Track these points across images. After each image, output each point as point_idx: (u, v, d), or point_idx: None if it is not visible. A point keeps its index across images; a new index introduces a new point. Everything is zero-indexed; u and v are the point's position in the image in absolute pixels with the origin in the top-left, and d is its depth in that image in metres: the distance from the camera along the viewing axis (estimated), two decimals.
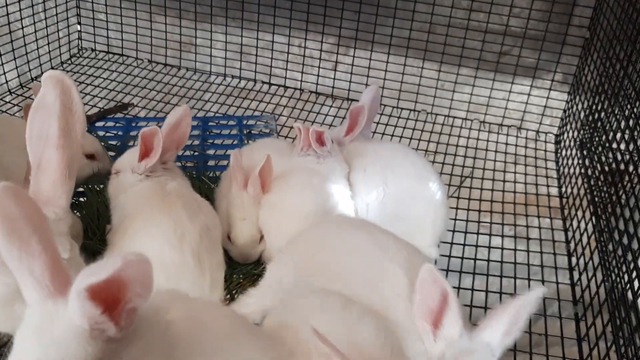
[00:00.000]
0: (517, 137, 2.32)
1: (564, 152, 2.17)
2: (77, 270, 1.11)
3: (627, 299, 1.31)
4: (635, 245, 1.31)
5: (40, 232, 0.69)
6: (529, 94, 2.33)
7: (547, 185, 2.04)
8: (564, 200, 1.95)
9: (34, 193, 1.03)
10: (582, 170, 1.92)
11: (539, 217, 1.86)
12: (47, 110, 1.02)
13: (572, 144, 2.12)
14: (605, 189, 1.67)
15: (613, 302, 1.37)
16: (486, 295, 1.53)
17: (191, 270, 1.28)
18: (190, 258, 1.28)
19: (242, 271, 1.52)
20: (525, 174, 2.09)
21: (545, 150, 2.26)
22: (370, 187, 1.57)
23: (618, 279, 1.36)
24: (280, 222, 1.50)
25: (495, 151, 2.21)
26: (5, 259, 0.68)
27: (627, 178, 1.57)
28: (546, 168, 2.15)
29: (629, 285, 1.30)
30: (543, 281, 1.59)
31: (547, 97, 2.33)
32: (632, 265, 1.30)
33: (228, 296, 1.44)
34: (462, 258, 1.64)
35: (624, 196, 1.52)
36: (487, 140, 2.27)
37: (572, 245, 1.72)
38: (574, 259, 1.66)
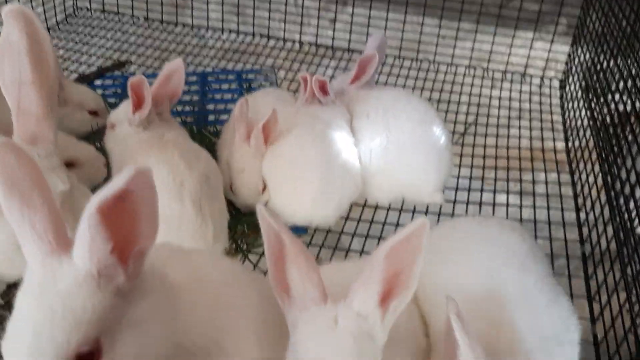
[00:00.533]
0: (521, 83, 2.28)
1: (569, 96, 2.13)
2: (82, 197, 1.10)
3: (635, 236, 1.29)
4: None
5: (40, 187, 0.66)
6: (532, 39, 2.29)
7: (553, 130, 2.02)
8: (569, 143, 1.93)
9: (21, 135, 1.02)
10: (588, 114, 1.89)
11: (544, 161, 1.84)
12: (14, 47, 0.99)
13: (576, 87, 2.08)
14: (611, 129, 1.64)
15: (620, 240, 1.36)
16: None
17: (192, 219, 1.28)
18: (191, 207, 1.27)
19: (247, 222, 1.51)
20: (530, 119, 2.07)
21: (550, 96, 2.22)
22: (373, 133, 1.56)
23: (626, 215, 1.35)
24: (284, 170, 1.49)
25: (500, 98, 2.18)
26: (6, 213, 0.65)
27: (632, 118, 1.54)
28: (551, 113, 2.12)
29: (637, 220, 1.29)
30: (549, 223, 1.57)
31: (551, 42, 2.28)
32: None
33: (233, 245, 1.44)
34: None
35: (630, 136, 1.50)
36: (491, 87, 2.24)
37: (578, 187, 1.70)
38: (580, 200, 1.65)
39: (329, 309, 0.76)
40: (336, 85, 1.72)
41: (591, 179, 1.65)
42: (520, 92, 2.23)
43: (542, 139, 1.96)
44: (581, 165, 1.75)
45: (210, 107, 1.98)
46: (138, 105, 1.39)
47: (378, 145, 1.55)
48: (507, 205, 1.64)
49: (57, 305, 0.60)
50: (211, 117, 1.92)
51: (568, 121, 2.03)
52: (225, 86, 2.09)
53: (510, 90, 2.23)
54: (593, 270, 1.40)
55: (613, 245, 1.39)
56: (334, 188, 1.47)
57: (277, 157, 1.50)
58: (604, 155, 1.64)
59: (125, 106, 1.45)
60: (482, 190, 1.69)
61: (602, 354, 1.24)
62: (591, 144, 1.76)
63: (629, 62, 1.60)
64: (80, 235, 0.60)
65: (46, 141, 1.04)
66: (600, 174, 1.61)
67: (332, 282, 0.81)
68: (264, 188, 1.51)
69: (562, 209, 1.61)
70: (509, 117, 2.07)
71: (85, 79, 2.07)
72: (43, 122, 1.02)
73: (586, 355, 1.25)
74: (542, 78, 2.30)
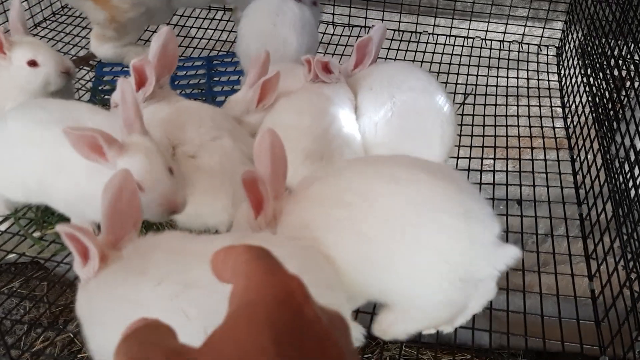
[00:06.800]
0: (518, 52, 2.33)
1: (565, 63, 2.19)
2: None
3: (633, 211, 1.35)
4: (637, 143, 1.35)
5: None
6: (527, 17, 2.33)
7: (550, 101, 2.08)
8: (566, 110, 1.99)
9: None
10: (584, 79, 1.95)
11: (543, 138, 1.88)
12: None
13: (573, 54, 2.14)
14: (608, 93, 1.70)
15: (615, 201, 1.43)
16: None
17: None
18: None
19: None
20: (528, 87, 2.13)
21: (547, 64, 2.28)
22: (378, 105, 1.58)
23: (621, 179, 1.42)
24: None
25: (498, 67, 2.23)
26: None
27: (628, 83, 1.60)
28: (548, 80, 2.18)
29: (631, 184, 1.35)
30: (548, 186, 1.64)
31: (547, 12, 2.33)
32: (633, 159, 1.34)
33: None
34: None
35: (625, 99, 1.56)
36: (489, 57, 2.29)
37: (575, 151, 1.77)
38: (577, 164, 1.72)
39: None
40: (342, 67, 1.74)
41: (588, 144, 1.71)
42: (518, 60, 2.28)
43: (541, 115, 2.01)
44: (578, 130, 1.82)
45: (218, 89, 2.04)
46: (140, 83, 1.45)
47: (382, 117, 1.56)
48: (507, 184, 1.70)
49: None
50: (220, 98, 1.98)
51: (565, 88, 2.09)
52: (230, 68, 2.15)
53: (508, 60, 2.28)
54: (594, 249, 1.46)
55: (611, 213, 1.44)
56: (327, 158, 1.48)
57: (273, 123, 1.52)
58: (600, 117, 1.70)
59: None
60: (481, 171, 1.74)
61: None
62: (589, 119, 1.81)
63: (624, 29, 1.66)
64: None
65: None
66: (596, 140, 1.67)
67: None
68: None
69: (562, 188, 1.65)
70: (507, 86, 2.12)
71: (84, 61, 2.15)
72: None
73: (585, 310, 1.34)
74: (539, 46, 2.35)
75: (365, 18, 2.42)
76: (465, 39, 2.38)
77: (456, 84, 2.12)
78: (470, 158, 1.79)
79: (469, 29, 2.39)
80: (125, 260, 0.96)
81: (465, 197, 1.06)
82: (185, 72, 2.11)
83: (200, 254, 0.95)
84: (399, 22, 2.40)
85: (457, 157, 1.78)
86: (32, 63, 1.60)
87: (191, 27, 2.44)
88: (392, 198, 1.05)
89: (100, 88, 2.03)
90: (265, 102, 1.56)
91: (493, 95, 2.07)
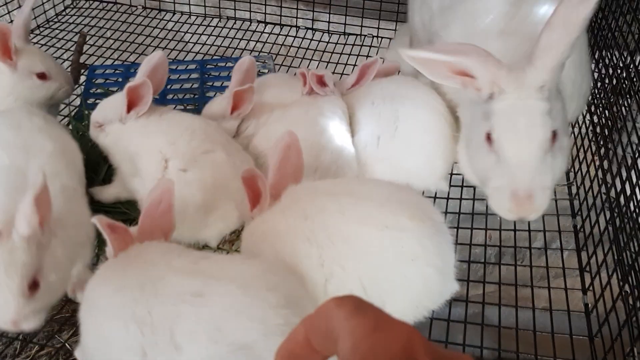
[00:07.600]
0: None
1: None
2: None
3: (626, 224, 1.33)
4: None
5: None
6: None
7: None
8: None
9: None
10: None
11: None
12: None
13: None
14: (603, 103, 1.69)
15: (612, 221, 1.41)
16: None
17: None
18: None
19: None
20: None
21: None
22: (380, 120, 1.54)
23: (614, 191, 1.40)
24: None
25: None
26: None
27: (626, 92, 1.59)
28: None
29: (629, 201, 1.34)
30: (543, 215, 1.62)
31: None
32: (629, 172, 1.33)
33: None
34: (459, 213, 1.60)
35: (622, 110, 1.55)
36: None
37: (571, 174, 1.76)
38: (571, 174, 1.71)
39: None
40: (340, 82, 1.73)
41: (582, 154, 1.70)
42: None
43: None
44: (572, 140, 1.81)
45: (211, 94, 2.02)
46: (131, 104, 1.44)
47: (385, 132, 1.53)
48: None
49: None
50: None
51: None
52: (224, 73, 2.13)
53: None
54: (587, 262, 1.44)
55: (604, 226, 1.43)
56: (321, 172, 1.47)
57: (267, 139, 1.53)
58: (597, 131, 1.69)
59: (111, 105, 1.50)
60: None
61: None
62: (583, 129, 1.80)
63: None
64: None
65: None
66: (592, 162, 1.65)
67: None
68: None
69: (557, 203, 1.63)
70: None
71: (84, 67, 2.13)
72: None
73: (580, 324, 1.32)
74: None
75: (361, 27, 2.41)
76: None
77: None
78: None
79: None
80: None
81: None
82: (178, 75, 2.09)
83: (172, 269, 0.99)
84: (395, 30, 2.39)
85: (451, 173, 1.74)
86: (42, 76, 1.59)
87: (186, 33, 2.43)
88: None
89: (91, 91, 2.01)
90: (240, 111, 1.57)
91: None
